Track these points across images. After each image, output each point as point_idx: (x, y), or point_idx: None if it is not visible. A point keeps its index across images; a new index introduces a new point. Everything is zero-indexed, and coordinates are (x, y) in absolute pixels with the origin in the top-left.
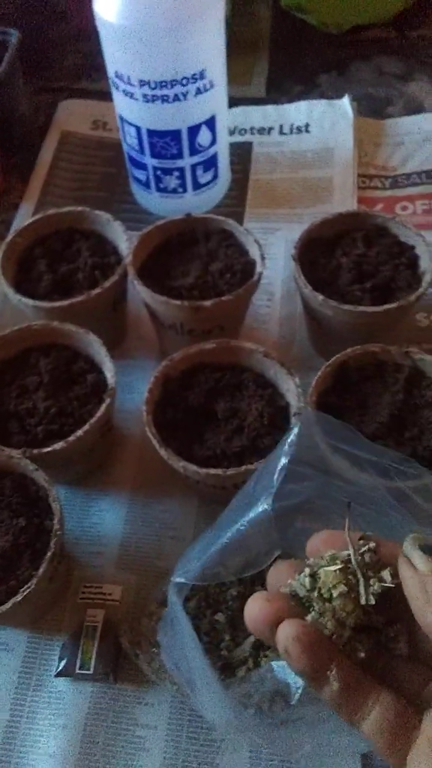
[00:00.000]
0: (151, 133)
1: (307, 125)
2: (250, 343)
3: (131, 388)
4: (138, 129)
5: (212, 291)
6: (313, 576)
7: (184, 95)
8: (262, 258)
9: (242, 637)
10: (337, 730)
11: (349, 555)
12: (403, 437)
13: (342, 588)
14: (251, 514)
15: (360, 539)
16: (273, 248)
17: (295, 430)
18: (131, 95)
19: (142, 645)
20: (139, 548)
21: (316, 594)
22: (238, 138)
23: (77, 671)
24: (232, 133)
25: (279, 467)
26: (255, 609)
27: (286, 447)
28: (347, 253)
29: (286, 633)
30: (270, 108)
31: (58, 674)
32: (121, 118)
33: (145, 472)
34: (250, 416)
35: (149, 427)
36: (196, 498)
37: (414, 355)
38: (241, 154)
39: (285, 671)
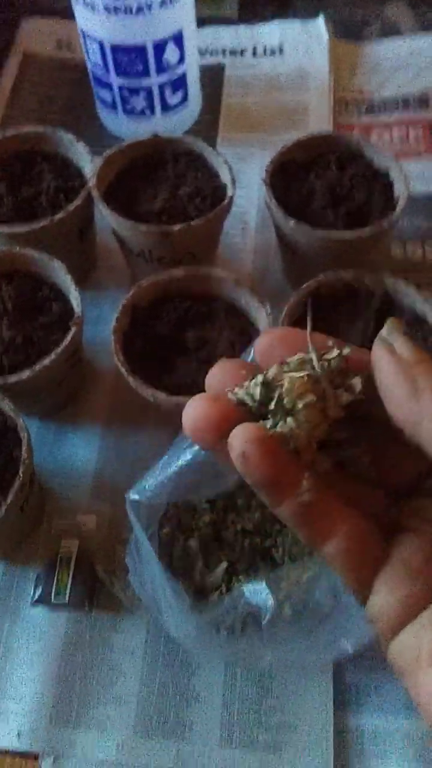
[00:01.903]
0: (115, 48)
1: (280, 47)
2: (220, 270)
3: (102, 319)
4: (101, 44)
5: (181, 216)
6: (267, 384)
7: (149, 6)
8: (233, 181)
9: (215, 563)
10: (302, 648)
11: (310, 360)
12: None
13: (310, 398)
14: None
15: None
16: (247, 175)
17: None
18: (92, 6)
19: (117, 572)
20: (113, 479)
21: (273, 405)
22: (209, 60)
23: (53, 600)
24: (203, 54)
25: None
26: (196, 410)
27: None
28: (320, 177)
29: (244, 435)
30: (242, 28)
31: (34, 603)
32: (84, 33)
33: (118, 404)
34: (221, 346)
35: (117, 355)
36: (169, 430)
37: (387, 282)
38: (213, 76)
39: (255, 594)
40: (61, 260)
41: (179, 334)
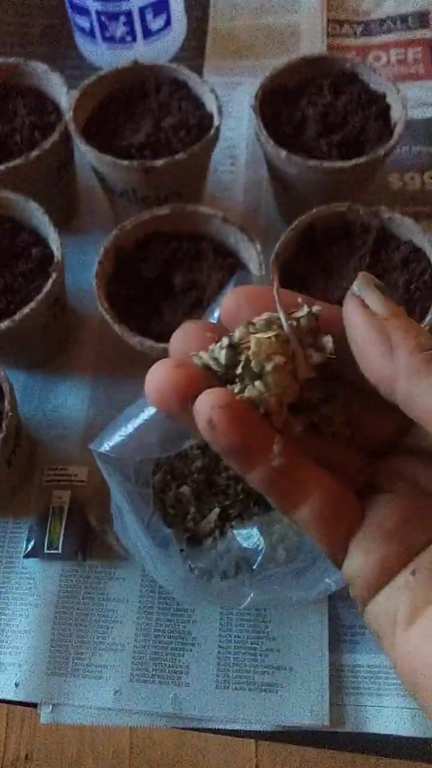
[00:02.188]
0: None
1: None
2: (207, 207)
3: (87, 265)
4: None
5: (165, 150)
6: (233, 347)
7: None
8: (220, 110)
9: (208, 510)
10: (288, 587)
11: (278, 319)
12: None
13: (279, 359)
14: None
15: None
16: (236, 105)
17: (231, 287)
18: None
19: (111, 521)
20: (105, 429)
21: (240, 369)
22: None
23: (46, 551)
24: None
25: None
26: (160, 375)
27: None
28: (313, 103)
29: (211, 401)
30: None
31: (27, 555)
32: None
33: (107, 353)
34: (210, 288)
35: (101, 302)
36: None
37: (383, 215)
38: None
39: (247, 538)
40: (39, 202)
41: (166, 277)
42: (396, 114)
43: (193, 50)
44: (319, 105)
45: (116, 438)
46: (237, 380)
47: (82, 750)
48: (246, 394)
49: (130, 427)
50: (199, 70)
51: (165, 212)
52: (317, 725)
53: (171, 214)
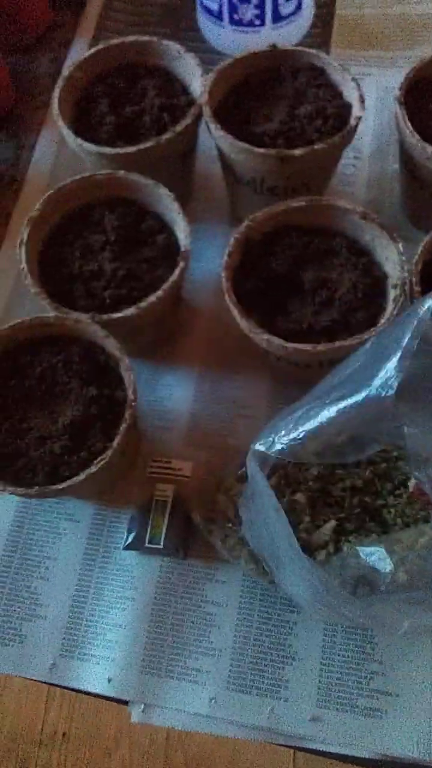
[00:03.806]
0: None
1: None
2: (344, 201)
3: (198, 255)
4: None
5: (300, 139)
6: None
7: None
8: (362, 100)
9: (322, 520)
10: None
11: None
12: None
13: None
14: (362, 398)
15: None
16: None
17: (429, 303)
18: None
19: (217, 521)
20: (209, 425)
21: None
22: None
23: (146, 544)
24: None
25: (404, 346)
26: None
27: (416, 323)
28: None
29: None
30: None
31: (127, 547)
32: None
33: (216, 347)
34: (342, 287)
35: (229, 295)
36: (269, 377)
37: None
38: None
39: (371, 555)
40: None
41: (295, 273)
42: None
43: (318, 37)
44: None
45: (289, 438)
46: None
47: (119, 735)
48: None
49: (304, 429)
50: None
51: (300, 204)
52: (423, 759)
53: (306, 207)
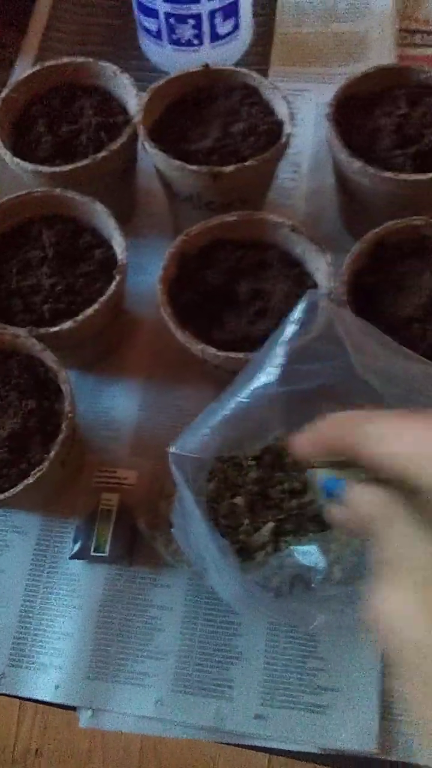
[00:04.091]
0: None
1: None
2: (275, 215)
3: (142, 269)
4: None
5: (234, 156)
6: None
7: None
8: (291, 117)
9: (261, 523)
10: (351, 612)
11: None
12: None
13: None
14: (253, 386)
15: None
16: (301, 113)
17: (302, 306)
18: None
19: (160, 527)
20: (155, 434)
21: None
22: None
23: (92, 553)
24: None
25: (286, 338)
26: None
27: (294, 320)
28: (388, 114)
29: None
30: None
31: (73, 556)
32: None
33: (159, 357)
34: (275, 298)
35: (164, 307)
36: (214, 385)
37: None
38: (265, 3)
39: (306, 555)
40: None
41: (230, 284)
42: None
43: (259, 55)
44: (395, 115)
45: (197, 438)
46: None
47: (92, 747)
48: None
49: (209, 426)
50: (263, 76)
51: (232, 219)
52: (364, 751)
53: (239, 221)
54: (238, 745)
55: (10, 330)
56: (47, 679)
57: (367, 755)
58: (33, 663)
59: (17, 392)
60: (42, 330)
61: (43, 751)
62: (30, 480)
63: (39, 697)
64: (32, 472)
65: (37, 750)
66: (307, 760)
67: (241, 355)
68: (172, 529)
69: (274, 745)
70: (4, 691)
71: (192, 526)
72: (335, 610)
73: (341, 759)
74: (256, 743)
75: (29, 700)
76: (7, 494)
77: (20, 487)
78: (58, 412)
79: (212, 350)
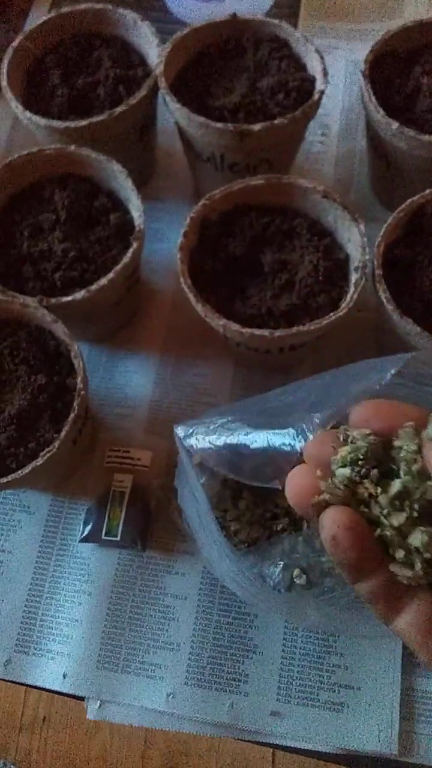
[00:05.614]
0: None
1: None
2: (306, 180)
3: (160, 235)
4: None
5: (261, 113)
6: (380, 484)
7: None
8: (325, 73)
9: (259, 517)
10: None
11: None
12: None
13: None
14: (276, 442)
15: None
16: (330, 71)
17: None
18: None
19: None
20: (170, 412)
21: (392, 522)
22: None
23: (103, 537)
24: None
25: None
26: (301, 482)
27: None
28: (429, 72)
29: (338, 521)
30: None
31: (83, 540)
32: None
33: (177, 332)
34: (303, 270)
35: (184, 277)
36: (232, 362)
37: None
38: None
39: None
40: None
41: (254, 254)
42: None
43: (286, 8)
44: None
45: (206, 443)
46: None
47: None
48: (400, 570)
49: (222, 441)
50: None
51: (258, 183)
52: (384, 753)
53: (265, 185)
54: (253, 742)
55: (19, 299)
56: (55, 667)
57: (388, 757)
58: (40, 650)
59: (26, 366)
60: (53, 300)
61: (51, 719)
62: (39, 461)
63: (46, 686)
64: (42, 453)
65: (44, 718)
66: (318, 758)
67: (266, 332)
68: (177, 499)
69: (290, 743)
70: (10, 678)
71: (194, 502)
72: (330, 611)
73: (355, 759)
74: (271, 741)
75: (36, 687)
76: (14, 475)
77: (27, 469)
78: (69, 388)
79: (235, 326)
